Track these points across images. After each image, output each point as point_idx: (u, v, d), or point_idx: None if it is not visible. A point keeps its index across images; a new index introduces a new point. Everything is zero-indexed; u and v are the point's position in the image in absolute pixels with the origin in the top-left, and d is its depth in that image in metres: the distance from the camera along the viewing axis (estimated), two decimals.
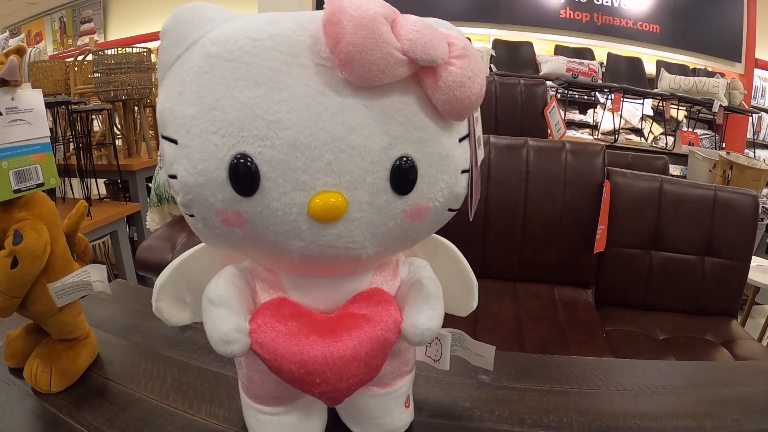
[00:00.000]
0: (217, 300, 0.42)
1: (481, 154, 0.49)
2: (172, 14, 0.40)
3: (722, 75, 4.55)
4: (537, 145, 1.56)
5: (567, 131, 2.32)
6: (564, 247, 1.55)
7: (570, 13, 4.93)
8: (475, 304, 0.58)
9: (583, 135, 4.50)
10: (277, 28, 0.37)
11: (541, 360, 0.78)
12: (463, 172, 0.44)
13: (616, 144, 4.06)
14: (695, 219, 1.52)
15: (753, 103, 4.90)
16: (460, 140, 0.43)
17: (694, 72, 4.74)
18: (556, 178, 1.54)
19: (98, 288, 0.66)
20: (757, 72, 5.01)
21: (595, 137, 4.34)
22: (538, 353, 1.15)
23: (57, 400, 0.62)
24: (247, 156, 0.36)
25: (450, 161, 0.42)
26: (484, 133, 1.63)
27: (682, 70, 4.66)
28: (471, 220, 0.51)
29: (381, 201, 0.39)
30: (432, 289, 0.46)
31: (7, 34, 5.70)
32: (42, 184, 0.63)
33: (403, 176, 0.39)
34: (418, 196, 0.40)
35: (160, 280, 0.50)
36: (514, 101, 2.26)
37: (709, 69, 4.86)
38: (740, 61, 4.96)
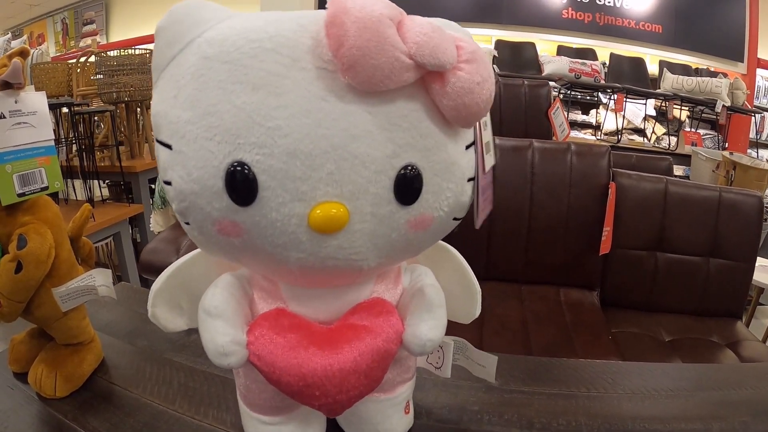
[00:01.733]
0: (214, 311, 0.41)
1: (490, 161, 0.48)
2: (167, 12, 0.38)
3: (725, 75, 4.54)
4: (542, 146, 1.56)
5: (570, 132, 2.31)
6: (569, 248, 1.54)
7: (572, 14, 4.94)
8: (478, 311, 0.57)
9: (586, 135, 4.51)
10: (277, 29, 0.35)
11: (548, 363, 0.78)
12: (469, 180, 0.42)
13: (619, 144, 4.05)
14: (700, 220, 1.52)
15: (755, 102, 4.92)
16: (467, 147, 0.41)
17: (697, 72, 4.73)
18: (561, 179, 1.53)
19: (103, 292, 0.65)
20: (759, 72, 5.03)
21: (598, 137, 4.34)
22: (544, 355, 1.16)
23: (62, 405, 0.61)
24: (245, 164, 0.35)
25: (456, 169, 0.40)
26: None
27: (684, 70, 4.65)
28: (477, 228, 0.50)
29: (384, 211, 0.37)
30: (434, 298, 0.44)
31: (9, 35, 5.71)
32: (46, 188, 0.62)
33: (408, 186, 0.37)
34: (423, 206, 0.39)
35: (156, 286, 0.49)
36: (518, 102, 2.26)
37: (712, 69, 4.86)
38: (743, 61, 4.97)
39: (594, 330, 1.33)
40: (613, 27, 4.96)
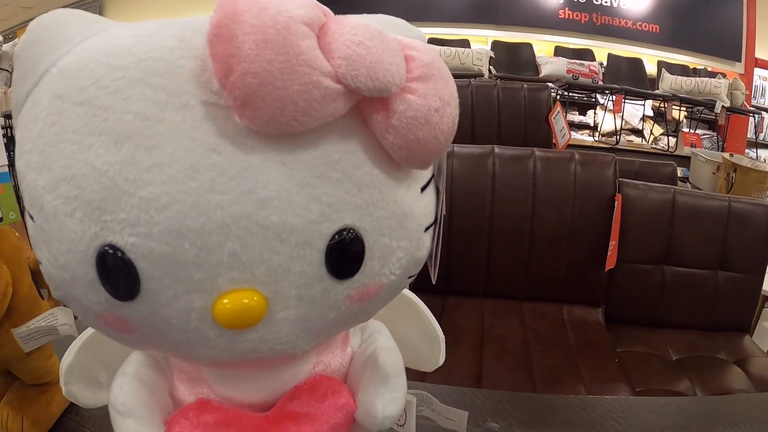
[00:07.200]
0: (122, 409, 0.33)
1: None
2: (27, 29, 0.28)
3: (723, 75, 4.55)
4: (544, 155, 1.51)
5: (571, 136, 2.28)
6: (573, 263, 1.50)
7: (569, 14, 4.94)
8: (441, 360, 0.50)
9: (583, 136, 4.50)
10: (149, 48, 0.26)
11: (554, 402, 0.75)
12: (427, 228, 0.33)
13: (617, 146, 4.04)
14: (709, 231, 1.47)
15: (753, 102, 4.91)
16: (423, 189, 0.32)
17: (695, 72, 4.74)
18: (564, 190, 1.48)
19: (65, 332, 0.61)
20: (757, 71, 5.03)
21: (596, 138, 4.34)
22: (548, 382, 1.14)
23: None
24: (117, 249, 0.26)
25: (409, 221, 0.31)
26: (487, 142, 1.59)
27: (683, 70, 4.65)
28: (434, 282, 0.41)
29: (315, 292, 0.29)
30: (390, 366, 0.37)
31: (1, 39, 5.63)
32: (0, 220, 0.57)
33: (344, 256, 0.29)
34: (368, 275, 0.30)
35: (66, 362, 0.43)
36: (517, 107, 2.22)
37: (709, 69, 4.86)
38: (740, 61, 4.98)
39: (599, 352, 1.29)
40: (610, 27, 4.95)
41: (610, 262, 1.40)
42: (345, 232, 0.28)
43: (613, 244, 1.41)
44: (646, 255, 1.48)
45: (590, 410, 0.72)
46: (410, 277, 0.35)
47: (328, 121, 0.26)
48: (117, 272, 0.26)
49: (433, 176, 0.34)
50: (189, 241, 0.25)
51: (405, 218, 0.31)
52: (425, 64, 0.27)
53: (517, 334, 1.32)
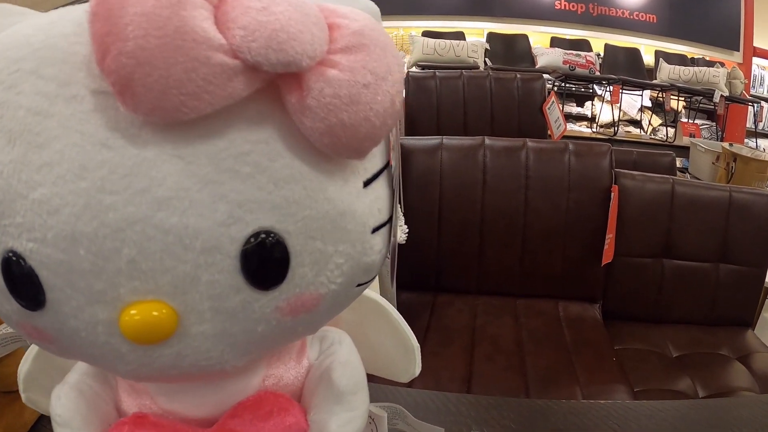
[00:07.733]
0: (59, 420, 0.32)
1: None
2: None
3: (722, 64, 4.58)
4: (537, 146, 1.47)
5: (566, 127, 2.26)
6: (569, 258, 1.46)
7: (565, 5, 4.93)
8: (417, 370, 0.47)
9: (581, 128, 4.50)
10: (48, 35, 0.24)
11: (545, 407, 0.71)
12: (376, 229, 0.29)
13: (616, 137, 4.04)
14: (709, 223, 1.43)
15: (752, 91, 4.94)
16: (366, 183, 0.28)
17: (693, 62, 4.75)
18: (558, 182, 1.44)
19: None
20: (755, 60, 5.03)
21: (594, 130, 4.36)
22: (542, 383, 1.10)
23: None
24: (20, 256, 0.24)
25: (348, 222, 0.27)
26: (479, 134, 1.55)
27: (681, 60, 4.67)
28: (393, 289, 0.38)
29: (233, 304, 0.25)
30: (346, 382, 0.34)
31: None
32: None
33: (263, 264, 0.25)
34: (298, 285, 0.26)
35: (23, 369, 0.42)
36: (510, 97, 2.18)
37: (707, 58, 4.87)
38: (738, 50, 4.97)
39: (597, 350, 1.26)
40: (606, 17, 4.94)
41: (607, 256, 1.37)
42: (263, 236, 0.25)
43: (610, 237, 1.37)
44: (645, 248, 1.44)
45: (584, 416, 0.69)
46: (360, 285, 0.30)
47: (228, 104, 0.22)
48: (22, 280, 0.25)
49: (385, 167, 0.29)
50: (83, 247, 0.23)
51: (342, 218, 0.27)
52: (353, 32, 0.23)
53: (510, 333, 1.28)
